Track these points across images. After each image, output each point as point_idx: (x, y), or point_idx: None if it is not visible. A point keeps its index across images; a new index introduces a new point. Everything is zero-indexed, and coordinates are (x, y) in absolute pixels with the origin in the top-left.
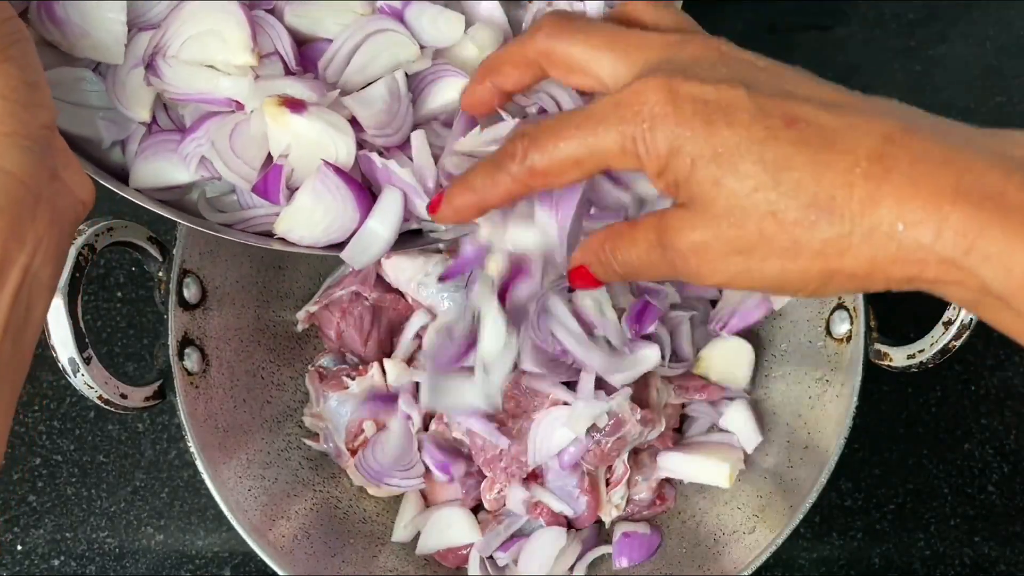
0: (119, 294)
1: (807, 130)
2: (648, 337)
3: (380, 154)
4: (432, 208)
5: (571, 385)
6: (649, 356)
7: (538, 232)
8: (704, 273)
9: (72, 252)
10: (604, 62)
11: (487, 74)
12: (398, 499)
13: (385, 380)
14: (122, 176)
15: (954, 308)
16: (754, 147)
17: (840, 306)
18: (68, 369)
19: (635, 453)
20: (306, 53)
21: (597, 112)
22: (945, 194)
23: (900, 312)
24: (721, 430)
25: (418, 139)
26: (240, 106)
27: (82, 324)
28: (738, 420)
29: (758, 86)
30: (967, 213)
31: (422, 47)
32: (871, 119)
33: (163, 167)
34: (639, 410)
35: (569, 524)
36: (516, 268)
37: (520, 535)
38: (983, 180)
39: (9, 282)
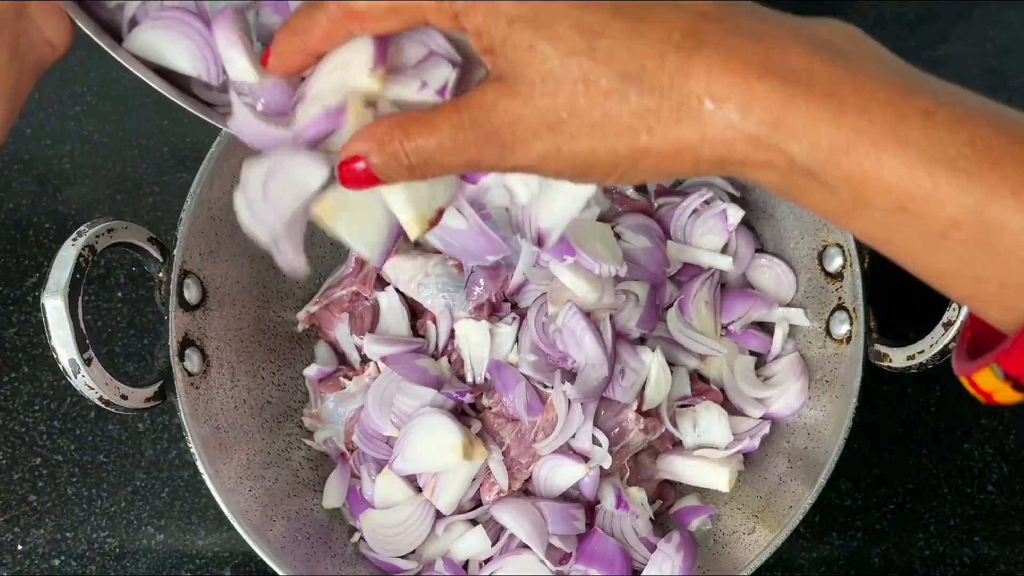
0: (119, 294)
1: (625, 2)
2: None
3: None
4: (263, 61)
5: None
6: (646, 362)
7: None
8: (515, 152)
9: (72, 253)
10: None
11: (295, 34)
12: None
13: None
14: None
15: (954, 309)
16: (572, 11)
17: (840, 307)
18: (69, 370)
19: (635, 454)
20: None
21: None
22: (752, 69)
23: (900, 313)
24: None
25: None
26: None
27: (83, 325)
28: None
29: None
30: (773, 87)
31: None
32: None
33: (167, 45)
34: (642, 420)
35: None
36: None
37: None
38: (789, 55)
39: None
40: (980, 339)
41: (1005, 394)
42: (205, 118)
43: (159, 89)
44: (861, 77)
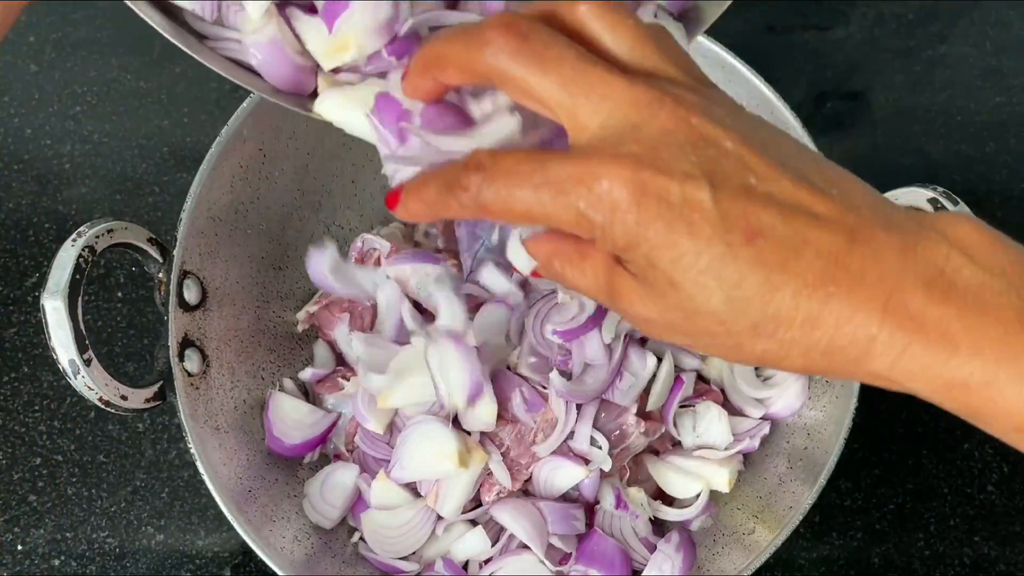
0: (119, 294)
1: (764, 247)
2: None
3: None
4: (390, 203)
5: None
6: (647, 366)
7: None
8: (650, 334)
9: (72, 254)
10: (564, 101)
11: (430, 68)
12: None
13: None
14: None
15: None
16: (713, 263)
17: None
18: (68, 371)
19: (635, 455)
20: None
21: (557, 178)
22: (874, 317)
23: None
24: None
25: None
26: None
27: (82, 326)
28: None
29: (723, 182)
30: (892, 334)
31: None
32: (822, 231)
33: None
34: (643, 423)
35: None
36: None
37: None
38: (906, 298)
39: None
40: None
41: None
42: (196, 56)
43: (144, 18)
44: (972, 316)
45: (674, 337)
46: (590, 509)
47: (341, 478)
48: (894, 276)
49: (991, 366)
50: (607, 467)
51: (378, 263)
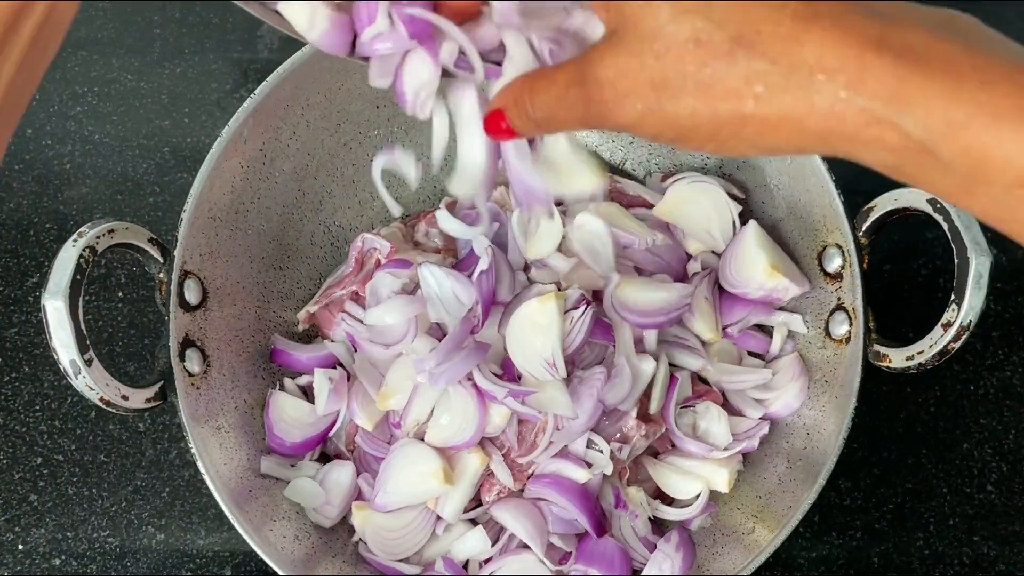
0: (120, 294)
1: None
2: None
3: None
4: (492, 127)
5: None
6: (646, 371)
7: None
8: (616, 109)
9: (73, 254)
10: None
11: None
12: None
13: None
14: None
15: (953, 310)
16: None
17: (839, 307)
18: (69, 371)
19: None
20: None
21: None
22: (868, 43)
23: (899, 313)
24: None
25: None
26: None
27: (83, 326)
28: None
29: None
30: (888, 61)
31: None
32: None
33: None
34: (643, 426)
35: None
36: None
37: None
38: (906, 32)
39: (35, 14)
40: None
41: None
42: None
43: None
44: (981, 55)
45: (647, 97)
46: (603, 515)
47: (339, 476)
48: (892, 12)
49: (998, 99)
50: (608, 471)
51: (378, 265)
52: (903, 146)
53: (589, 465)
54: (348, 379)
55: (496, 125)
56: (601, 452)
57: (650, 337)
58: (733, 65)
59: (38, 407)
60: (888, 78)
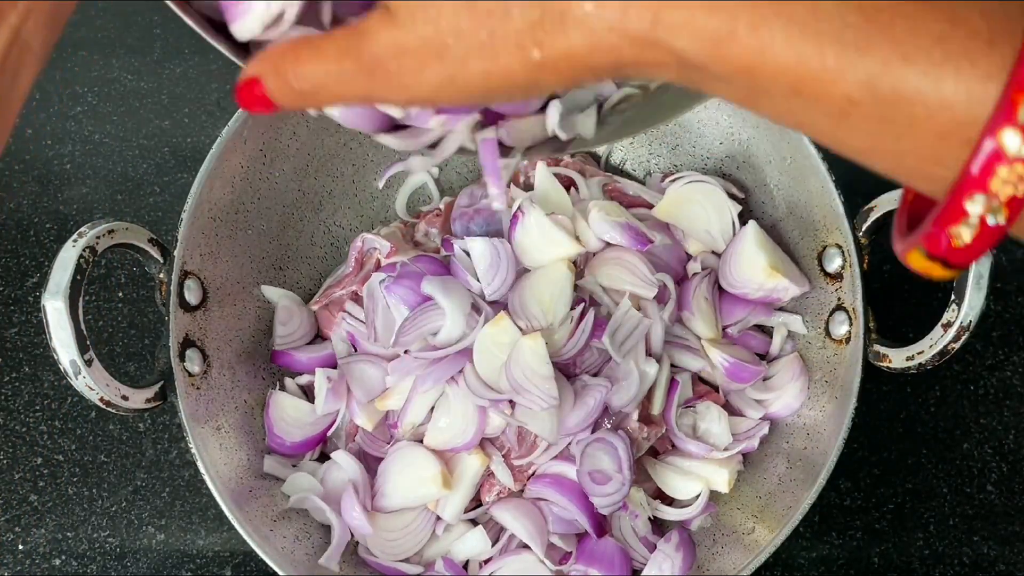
0: (120, 294)
1: None
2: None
3: None
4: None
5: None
6: (650, 373)
7: None
8: (408, 84)
9: (73, 255)
10: None
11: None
12: None
13: None
14: None
15: (953, 310)
16: None
17: (839, 308)
18: (69, 371)
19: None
20: None
21: None
22: None
23: (899, 313)
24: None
25: None
26: None
27: (83, 326)
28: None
29: None
30: None
31: None
32: None
33: None
34: (645, 428)
35: None
36: None
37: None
38: None
39: None
40: (921, 211)
41: (938, 271)
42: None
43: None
44: None
45: (436, 70)
46: (603, 516)
47: (338, 474)
48: None
49: (757, 8)
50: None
51: (378, 266)
52: (682, 66)
53: None
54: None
55: (250, 94)
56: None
57: (655, 339)
58: (508, 20)
59: (38, 407)
60: (649, 2)
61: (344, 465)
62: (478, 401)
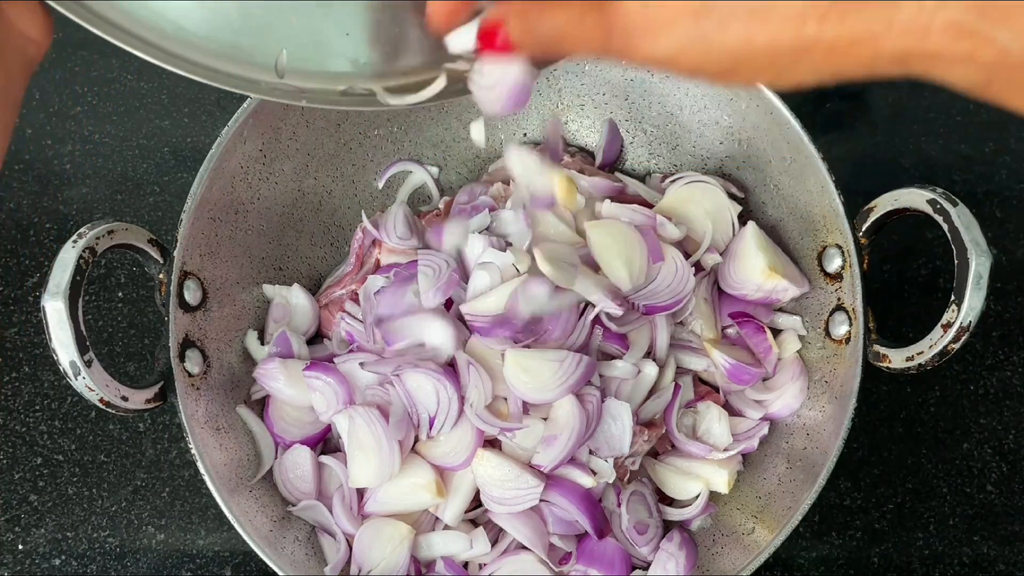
0: (120, 294)
1: None
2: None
3: None
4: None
5: None
6: (649, 374)
7: None
8: (646, 39)
9: (73, 255)
10: None
11: None
12: None
13: None
14: None
15: (953, 310)
16: None
17: (839, 308)
18: (69, 372)
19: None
20: None
21: None
22: None
23: (899, 314)
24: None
25: None
26: None
27: (83, 327)
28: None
29: None
30: None
31: None
32: None
33: None
34: (646, 431)
35: None
36: None
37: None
38: None
39: None
40: None
41: None
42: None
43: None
44: None
45: (687, 27)
46: (605, 518)
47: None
48: None
49: None
50: (611, 478)
51: (377, 266)
52: (997, 62)
53: (593, 472)
54: None
55: (491, 35)
56: (606, 460)
57: (661, 344)
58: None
59: (38, 407)
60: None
61: (336, 468)
62: (483, 427)
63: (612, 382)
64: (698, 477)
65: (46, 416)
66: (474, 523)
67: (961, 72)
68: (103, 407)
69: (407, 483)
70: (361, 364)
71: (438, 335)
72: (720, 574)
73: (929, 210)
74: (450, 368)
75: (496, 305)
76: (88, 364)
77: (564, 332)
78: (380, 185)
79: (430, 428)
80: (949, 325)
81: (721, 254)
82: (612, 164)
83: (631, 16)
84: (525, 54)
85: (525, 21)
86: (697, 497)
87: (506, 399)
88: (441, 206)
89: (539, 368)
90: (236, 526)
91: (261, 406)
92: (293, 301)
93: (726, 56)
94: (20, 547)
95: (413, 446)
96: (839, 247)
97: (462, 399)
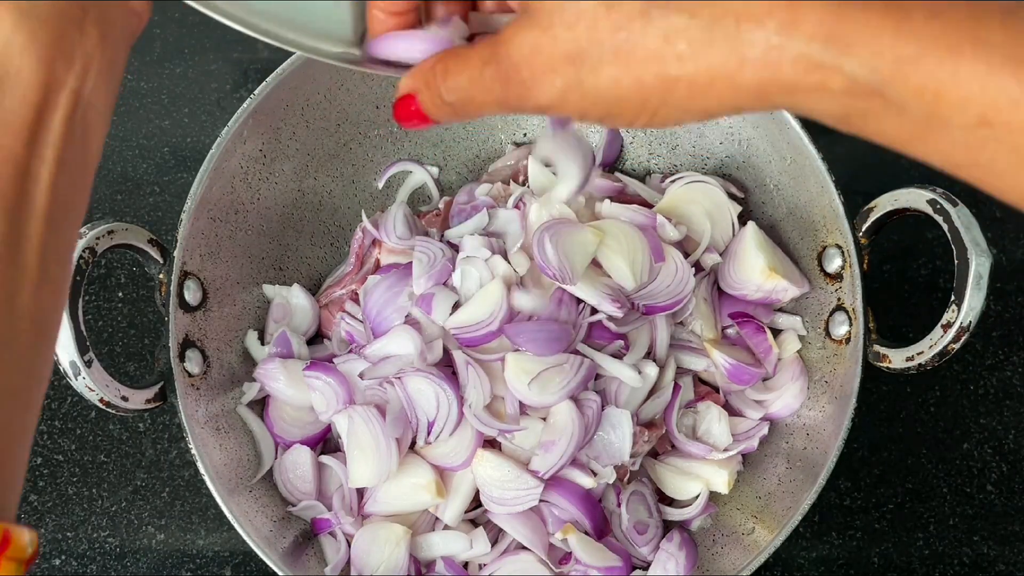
0: (120, 294)
1: None
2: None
3: None
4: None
5: None
6: (649, 375)
7: None
8: (535, 89)
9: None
10: None
11: None
12: None
13: None
14: None
15: (953, 310)
16: None
17: (839, 308)
18: (69, 372)
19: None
20: None
21: None
22: None
23: (899, 314)
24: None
25: None
26: None
27: (83, 327)
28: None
29: None
30: (823, 2)
31: None
32: None
33: None
34: (647, 432)
35: None
36: None
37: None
38: None
39: (60, 108)
40: None
41: None
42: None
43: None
44: None
45: (566, 73)
46: (605, 519)
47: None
48: None
49: (951, 30)
50: (611, 479)
51: (377, 266)
52: (848, 90)
53: (594, 473)
54: None
55: (406, 110)
56: (604, 468)
57: (661, 345)
58: (648, 24)
59: None
60: (825, 16)
61: (336, 468)
62: (482, 428)
63: (612, 383)
64: (698, 477)
65: (46, 416)
66: (474, 523)
67: (819, 103)
68: (103, 407)
69: (407, 483)
70: (361, 375)
71: (405, 345)
72: (720, 574)
73: (929, 210)
74: (451, 374)
75: (476, 314)
76: (88, 364)
77: (563, 338)
78: (380, 185)
79: (428, 434)
80: (949, 325)
81: (721, 254)
82: (612, 164)
83: (520, 66)
84: (441, 122)
85: (433, 90)
86: (697, 497)
87: (503, 398)
88: (441, 206)
89: (539, 371)
90: (236, 526)
91: (261, 406)
92: (293, 301)
93: (602, 99)
94: None
95: (412, 447)
96: (839, 247)
97: (462, 404)
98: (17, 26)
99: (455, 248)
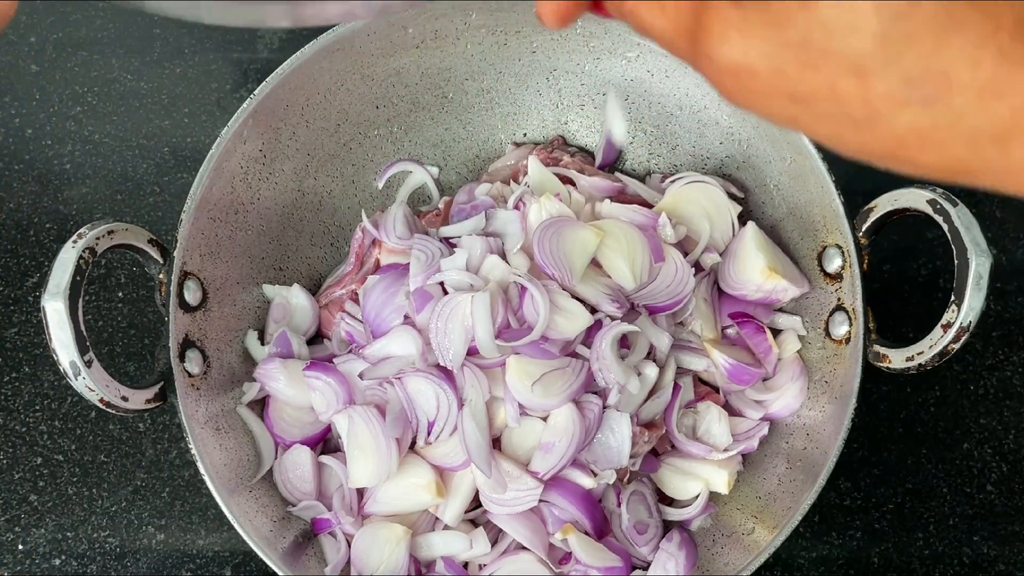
0: (120, 294)
1: None
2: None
3: None
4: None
5: None
6: (649, 376)
7: None
8: (738, 101)
9: (73, 255)
10: None
11: None
12: None
13: None
14: None
15: (953, 310)
16: None
17: (839, 308)
18: (69, 372)
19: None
20: None
21: None
22: None
23: (899, 314)
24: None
25: None
26: None
27: (83, 327)
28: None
29: None
30: None
31: None
32: None
33: None
34: (647, 432)
35: None
36: None
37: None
38: None
39: None
40: None
41: None
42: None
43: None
44: None
45: (775, 101)
46: (605, 519)
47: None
48: None
49: None
50: (612, 480)
51: (377, 266)
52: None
53: (594, 473)
54: None
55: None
56: (603, 471)
57: (661, 346)
58: (902, 112)
59: (38, 407)
60: None
61: (336, 468)
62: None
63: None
64: (698, 477)
65: (46, 416)
66: (474, 523)
67: (773, 104)
68: (103, 407)
69: (407, 483)
70: (361, 375)
71: (405, 346)
72: (720, 574)
73: (929, 210)
74: (450, 374)
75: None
76: (88, 364)
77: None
78: (380, 185)
79: (428, 434)
80: (949, 325)
81: (721, 254)
82: (612, 164)
83: (724, 79)
84: (579, 14)
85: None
86: (697, 497)
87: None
88: (441, 206)
89: (541, 374)
90: (236, 526)
91: (261, 406)
92: (293, 301)
93: (818, 138)
94: (20, 547)
95: (412, 447)
96: (839, 247)
97: (461, 405)
98: None
99: (454, 247)
